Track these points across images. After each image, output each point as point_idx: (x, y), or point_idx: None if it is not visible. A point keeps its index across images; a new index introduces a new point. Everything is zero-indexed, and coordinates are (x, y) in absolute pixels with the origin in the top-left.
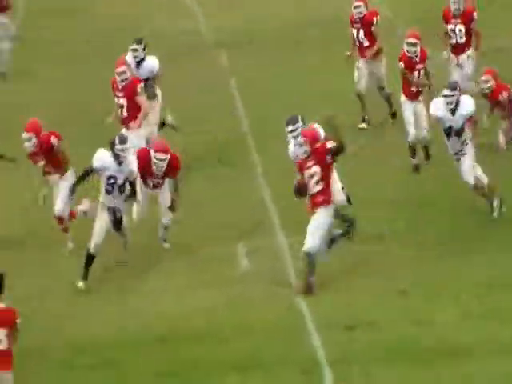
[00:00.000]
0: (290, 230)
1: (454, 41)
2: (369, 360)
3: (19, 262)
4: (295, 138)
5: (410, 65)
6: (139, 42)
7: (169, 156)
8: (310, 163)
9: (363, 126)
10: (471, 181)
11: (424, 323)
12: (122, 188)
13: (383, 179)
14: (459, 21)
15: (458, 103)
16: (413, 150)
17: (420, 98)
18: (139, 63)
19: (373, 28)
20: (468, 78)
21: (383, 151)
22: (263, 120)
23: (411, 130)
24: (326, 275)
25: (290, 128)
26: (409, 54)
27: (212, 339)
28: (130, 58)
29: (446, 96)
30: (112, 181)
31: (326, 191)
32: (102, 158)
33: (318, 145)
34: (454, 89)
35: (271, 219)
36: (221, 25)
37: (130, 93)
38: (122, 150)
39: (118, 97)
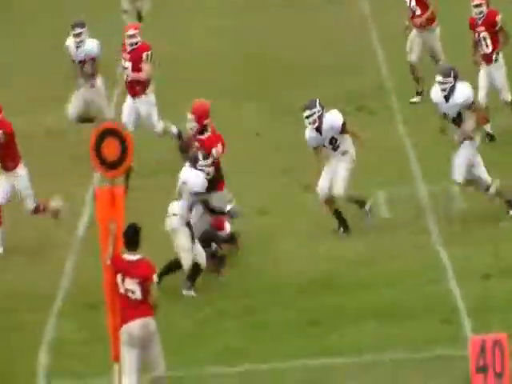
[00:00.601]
0: (429, 178)
1: None
2: (508, 308)
3: None
4: (311, 124)
5: (472, 27)
6: (82, 25)
7: None
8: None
9: (415, 100)
10: (458, 178)
11: None
12: None
13: None
14: None
15: (452, 90)
16: None
17: (496, 62)
18: (79, 45)
19: None
20: None
21: None
22: (403, 68)
23: (480, 94)
24: (463, 223)
25: (307, 113)
26: (474, 16)
27: (352, 287)
28: (70, 41)
29: (439, 83)
30: (196, 197)
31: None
32: (197, 179)
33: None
34: (447, 75)
35: (411, 167)
36: None
37: (137, 57)
38: (206, 165)
39: (124, 59)
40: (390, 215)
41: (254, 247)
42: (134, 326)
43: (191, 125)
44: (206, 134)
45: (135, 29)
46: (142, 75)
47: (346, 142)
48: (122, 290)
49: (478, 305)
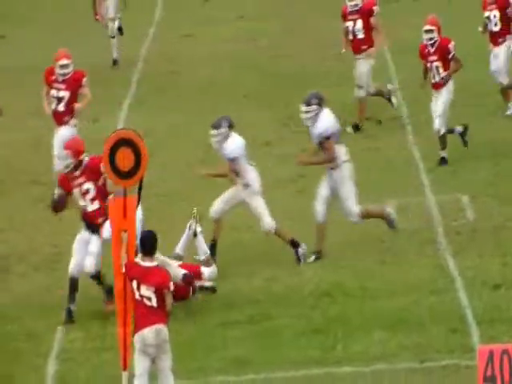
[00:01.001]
0: (439, 189)
1: (489, 28)
2: None
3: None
4: (218, 143)
5: (422, 54)
6: None
7: None
8: (81, 179)
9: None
10: (319, 209)
11: None
12: None
13: None
14: (494, 6)
15: (316, 118)
16: (440, 141)
17: (444, 88)
18: None
19: (372, 19)
20: (502, 71)
21: None
22: (414, 80)
23: (435, 121)
24: (470, 233)
25: (213, 132)
26: (424, 42)
27: (360, 297)
28: None
29: (302, 112)
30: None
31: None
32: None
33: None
34: (308, 104)
35: (420, 177)
36: None
37: (75, 85)
38: None
39: (57, 89)
40: (398, 225)
41: (259, 257)
42: (148, 333)
43: (67, 162)
44: (80, 170)
45: (68, 58)
46: (82, 105)
47: (249, 175)
48: (137, 297)
49: (486, 315)
